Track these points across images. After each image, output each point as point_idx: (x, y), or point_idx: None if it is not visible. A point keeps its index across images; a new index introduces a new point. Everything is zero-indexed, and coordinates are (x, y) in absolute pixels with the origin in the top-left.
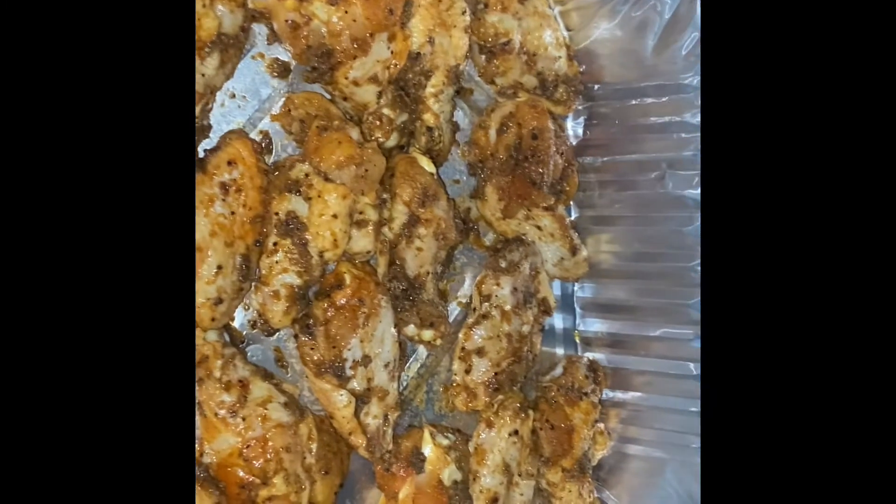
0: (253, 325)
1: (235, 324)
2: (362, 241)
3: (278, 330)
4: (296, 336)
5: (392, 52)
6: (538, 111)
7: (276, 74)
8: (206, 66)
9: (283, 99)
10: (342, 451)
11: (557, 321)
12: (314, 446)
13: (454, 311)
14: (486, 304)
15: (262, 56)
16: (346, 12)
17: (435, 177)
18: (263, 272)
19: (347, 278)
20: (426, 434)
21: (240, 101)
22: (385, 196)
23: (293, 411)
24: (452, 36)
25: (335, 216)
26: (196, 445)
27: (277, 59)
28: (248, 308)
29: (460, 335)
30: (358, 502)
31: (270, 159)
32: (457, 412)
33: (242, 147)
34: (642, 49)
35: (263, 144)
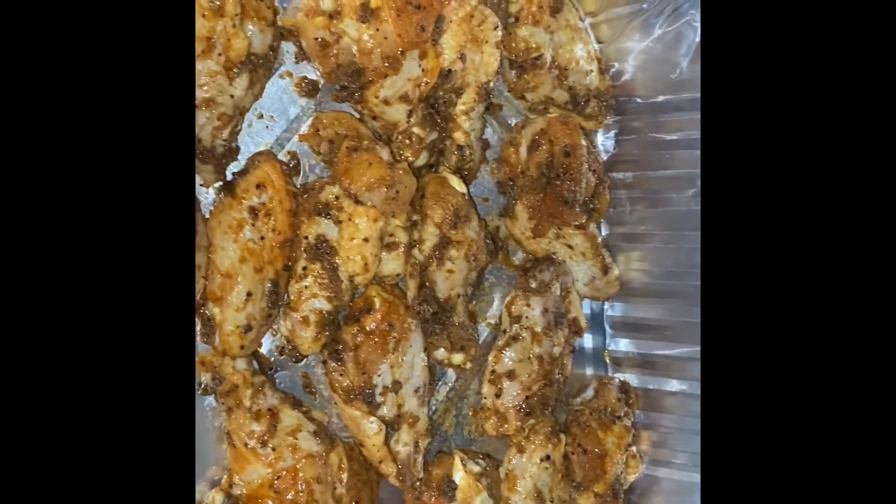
0: (281, 352)
1: (262, 350)
2: (392, 264)
3: (306, 356)
4: (324, 362)
5: (423, 70)
6: (570, 127)
7: (304, 93)
8: (236, 88)
9: (312, 118)
10: (372, 480)
11: (587, 341)
12: (345, 476)
13: (483, 332)
14: (517, 325)
15: (289, 74)
16: (378, 30)
17: (466, 197)
18: (292, 298)
19: (377, 302)
20: (457, 461)
21: (267, 121)
22: (415, 217)
23: (323, 440)
24: (484, 52)
25: (366, 240)
26: (226, 476)
27: (305, 77)
28: (276, 334)
29: (490, 358)
30: None
31: (298, 181)
32: (486, 437)
33: (271, 169)
34: (675, 62)
35: (291, 165)
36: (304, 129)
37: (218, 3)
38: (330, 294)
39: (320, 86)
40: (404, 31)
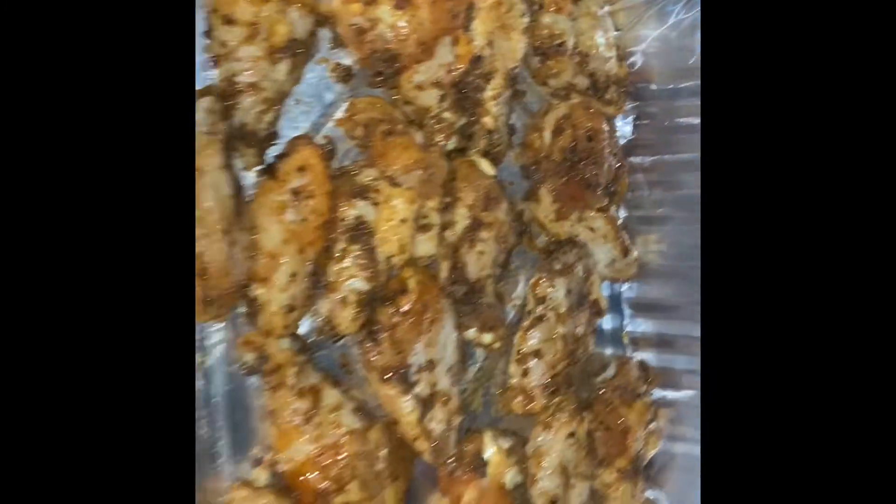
0: (319, 332)
1: (300, 331)
2: (426, 246)
3: (344, 336)
4: (361, 342)
5: (455, 56)
6: (593, 113)
7: (339, 79)
8: (278, 72)
9: (347, 104)
10: (407, 457)
11: (606, 322)
12: (385, 451)
13: (507, 313)
14: (541, 306)
15: (325, 61)
16: (413, 17)
17: (496, 180)
18: (331, 279)
19: (411, 283)
20: (487, 438)
21: (304, 106)
22: (447, 200)
23: (363, 417)
24: (511, 38)
25: (403, 221)
26: (269, 454)
27: (340, 63)
28: (314, 315)
29: (516, 338)
30: None
31: (334, 164)
32: (513, 415)
33: (311, 153)
34: (691, 49)
35: (327, 150)
36: (339, 113)
37: None
38: (368, 275)
39: (354, 72)
40: (438, 18)
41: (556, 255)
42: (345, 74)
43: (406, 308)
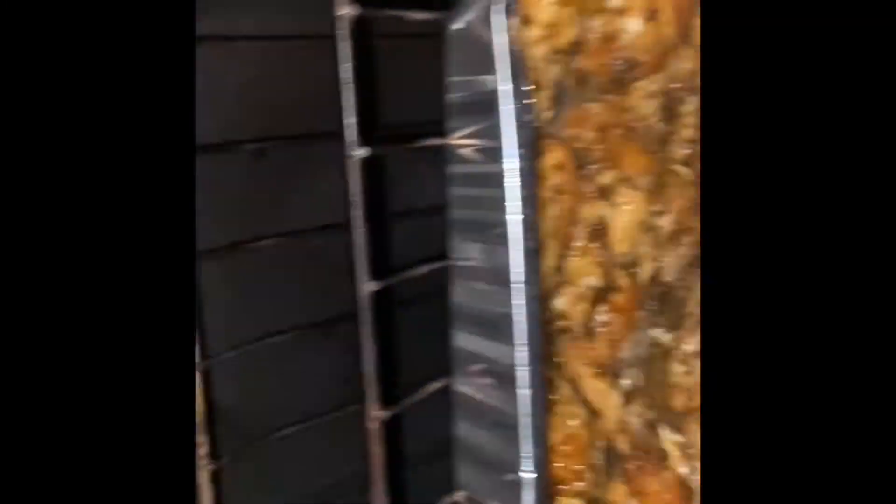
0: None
1: None
2: (643, 247)
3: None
4: (576, 338)
5: (684, 71)
6: None
7: (575, 82)
8: (552, 72)
9: (580, 108)
10: None
11: None
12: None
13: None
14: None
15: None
16: (658, 28)
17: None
18: (571, 273)
19: (625, 282)
20: (665, 432)
21: None
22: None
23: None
24: None
25: (638, 223)
26: None
27: (578, 67)
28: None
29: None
30: None
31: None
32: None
33: (563, 153)
34: None
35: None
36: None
37: None
38: (603, 271)
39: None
40: (676, 32)
41: None
42: (582, 80)
43: (620, 306)
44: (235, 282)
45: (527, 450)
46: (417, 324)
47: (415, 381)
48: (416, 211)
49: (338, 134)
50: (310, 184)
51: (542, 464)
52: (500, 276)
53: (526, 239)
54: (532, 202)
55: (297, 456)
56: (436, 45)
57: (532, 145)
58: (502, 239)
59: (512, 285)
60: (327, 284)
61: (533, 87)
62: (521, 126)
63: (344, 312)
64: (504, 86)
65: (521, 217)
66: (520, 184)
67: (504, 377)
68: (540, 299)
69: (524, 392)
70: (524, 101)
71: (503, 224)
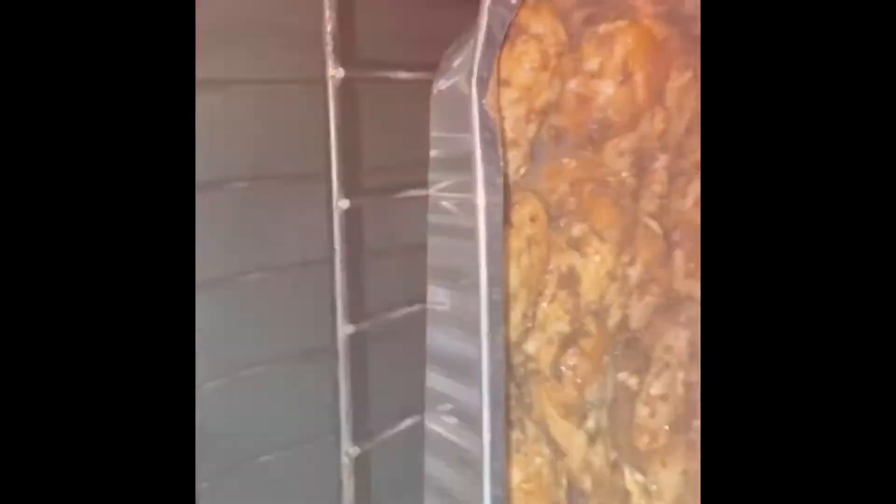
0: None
1: None
2: (611, 296)
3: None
4: (547, 379)
5: (653, 130)
6: None
7: (551, 139)
8: (530, 132)
9: (553, 162)
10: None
11: None
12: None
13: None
14: (668, 354)
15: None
16: (631, 91)
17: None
18: (540, 318)
19: (593, 328)
20: (628, 471)
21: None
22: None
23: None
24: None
25: (606, 273)
26: None
27: (553, 125)
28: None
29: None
30: None
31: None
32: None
33: (537, 205)
34: None
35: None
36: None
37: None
38: (571, 318)
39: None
40: (648, 95)
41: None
42: (557, 136)
43: (587, 350)
44: (221, 313)
45: (487, 490)
46: (392, 361)
47: (388, 417)
48: (396, 252)
49: (324, 175)
50: (295, 221)
51: (503, 503)
52: (468, 323)
53: (491, 292)
54: (499, 258)
55: (274, 482)
56: (420, 102)
57: (501, 204)
58: (472, 288)
59: (482, 334)
60: (308, 318)
61: (508, 146)
62: (493, 186)
63: (325, 345)
64: (478, 146)
65: (487, 271)
66: (486, 240)
67: (469, 418)
68: (505, 348)
69: (486, 436)
70: (498, 163)
71: (473, 275)
